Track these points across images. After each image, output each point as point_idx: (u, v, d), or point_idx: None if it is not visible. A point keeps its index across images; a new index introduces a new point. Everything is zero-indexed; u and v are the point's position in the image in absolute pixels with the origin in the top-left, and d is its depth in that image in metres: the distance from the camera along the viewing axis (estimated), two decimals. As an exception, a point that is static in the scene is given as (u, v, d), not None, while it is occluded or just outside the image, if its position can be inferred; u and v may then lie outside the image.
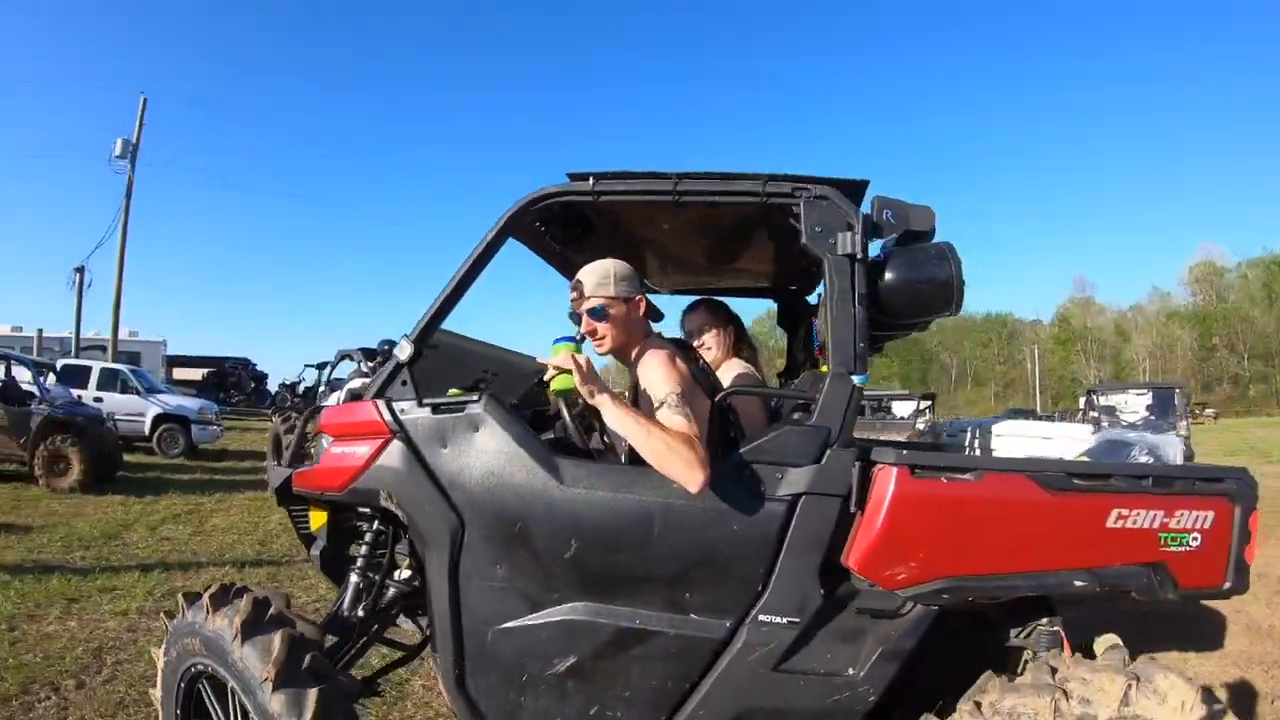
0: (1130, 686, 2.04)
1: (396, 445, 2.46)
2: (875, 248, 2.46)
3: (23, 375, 12.94)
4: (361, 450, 2.51)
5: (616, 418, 2.24)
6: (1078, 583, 2.25)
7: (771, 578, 2.22)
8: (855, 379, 2.24)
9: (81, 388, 16.36)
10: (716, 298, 3.57)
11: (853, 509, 2.20)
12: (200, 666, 2.60)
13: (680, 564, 2.25)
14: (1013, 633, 2.55)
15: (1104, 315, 76.32)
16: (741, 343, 3.38)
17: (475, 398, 2.44)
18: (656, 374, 2.34)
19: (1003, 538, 2.25)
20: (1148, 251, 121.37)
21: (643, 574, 2.28)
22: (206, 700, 2.68)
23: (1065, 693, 2.07)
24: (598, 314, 2.49)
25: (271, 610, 2.48)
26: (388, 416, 2.47)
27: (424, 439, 2.45)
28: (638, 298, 2.56)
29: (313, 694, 2.23)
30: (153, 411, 17.28)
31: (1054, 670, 2.16)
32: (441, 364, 2.84)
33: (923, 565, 2.17)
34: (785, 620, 2.21)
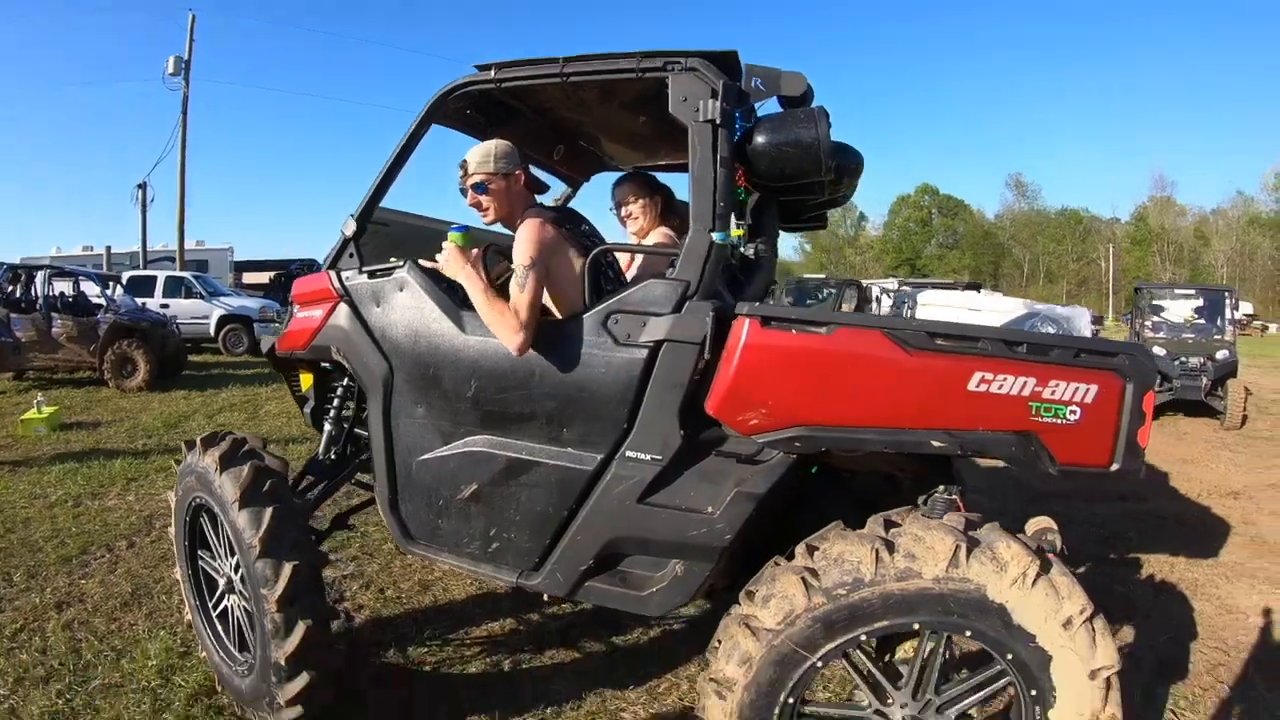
0: (959, 548, 2.07)
1: (342, 307, 2.96)
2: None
3: (91, 290, 14.02)
4: (317, 313, 3.06)
5: (470, 293, 2.60)
6: (935, 443, 2.25)
7: (636, 417, 2.44)
8: (714, 236, 2.37)
9: (148, 296, 17.45)
10: (646, 171, 3.81)
11: (705, 355, 2.34)
12: (198, 500, 3.17)
13: (556, 402, 2.54)
14: (920, 500, 2.60)
15: (1184, 217, 72.10)
16: (670, 212, 3.60)
17: (402, 263, 2.81)
18: (517, 246, 2.59)
19: (855, 392, 2.29)
20: (1233, 155, 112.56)
21: (528, 410, 2.59)
22: (205, 529, 3.25)
23: (890, 545, 2.13)
24: (480, 189, 2.74)
25: (245, 447, 3.07)
26: (336, 283, 2.97)
27: (362, 300, 2.91)
28: (517, 172, 2.78)
29: (269, 511, 2.77)
30: (217, 313, 18.49)
31: (891, 525, 2.24)
32: (400, 240, 3.27)
33: (773, 413, 2.29)
34: (649, 457, 2.43)
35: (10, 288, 12.97)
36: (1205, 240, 68.75)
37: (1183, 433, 10.63)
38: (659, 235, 3.49)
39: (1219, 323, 12.38)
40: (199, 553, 3.41)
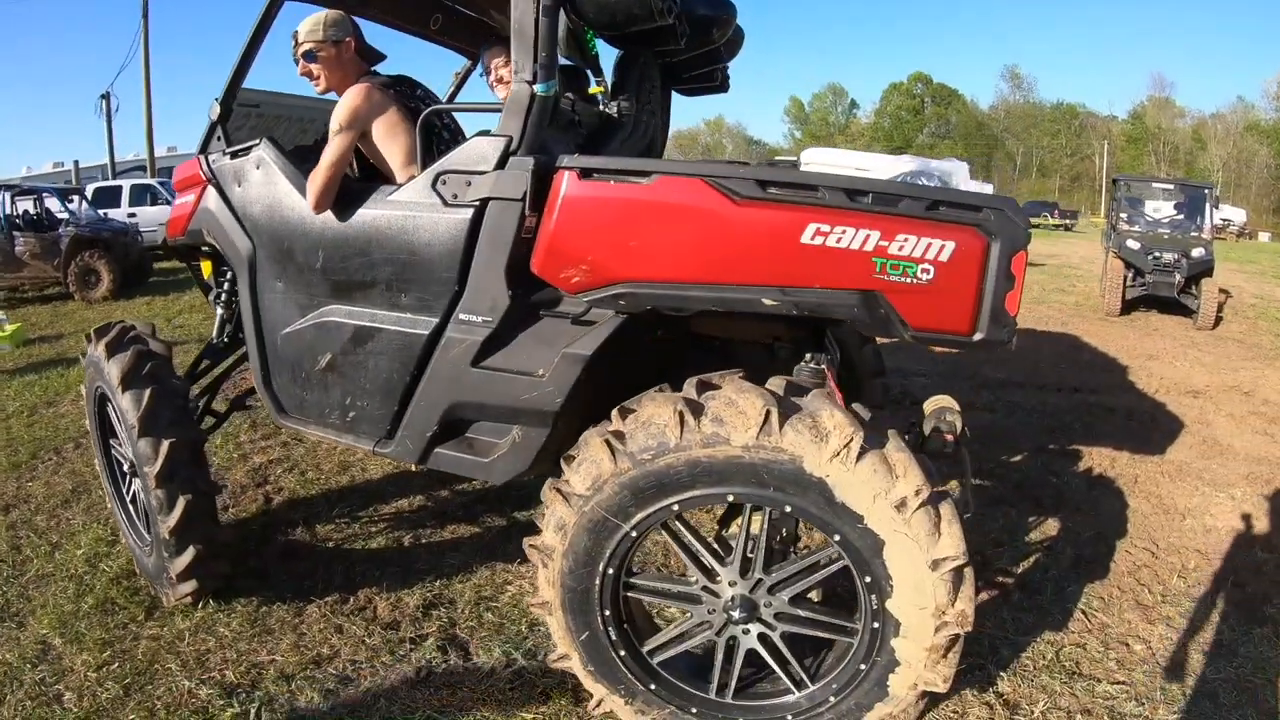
0: (770, 414, 1.94)
1: (210, 190, 2.94)
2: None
3: (55, 206, 13.72)
4: (190, 198, 3.05)
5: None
6: (767, 300, 2.11)
7: (467, 279, 2.39)
8: (536, 88, 2.26)
9: (115, 207, 17.02)
10: None
11: (527, 211, 2.26)
12: (99, 389, 3.24)
13: (394, 267, 2.52)
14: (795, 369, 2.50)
15: (1183, 119, 70.61)
16: None
17: (258, 141, 2.73)
18: (334, 111, 2.59)
19: (677, 246, 2.15)
20: (1235, 60, 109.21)
21: (369, 278, 2.59)
22: (111, 417, 3.29)
23: (697, 408, 2.02)
24: (310, 58, 2.72)
25: (131, 333, 3.13)
26: (204, 167, 2.93)
27: (226, 181, 2.92)
28: (347, 40, 2.74)
29: (148, 391, 2.88)
30: (183, 217, 17.98)
31: (706, 387, 2.11)
32: (275, 120, 3.33)
33: (595, 269, 2.19)
34: (480, 319, 2.39)
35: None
36: (1202, 144, 67.52)
37: (1152, 328, 10.60)
38: None
39: (1197, 220, 12.22)
40: (110, 441, 3.46)
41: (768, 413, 1.94)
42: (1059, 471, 4.77)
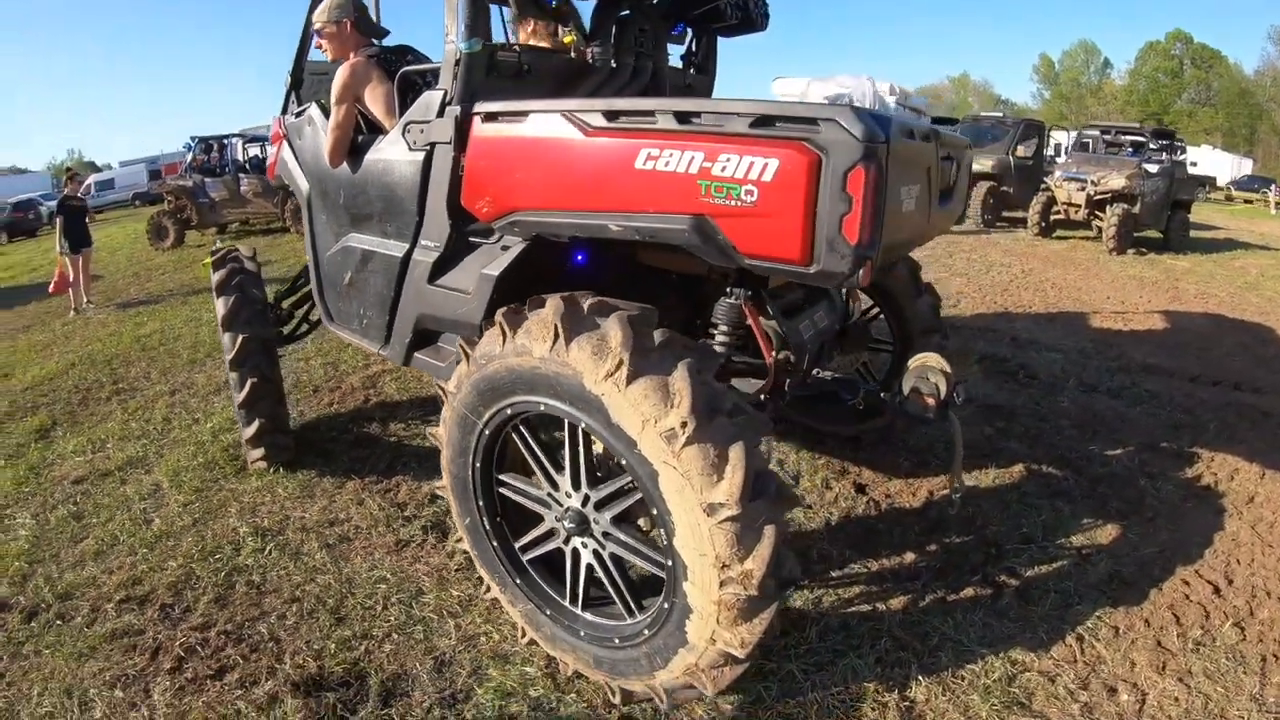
0: (559, 327, 2.05)
1: (284, 144, 3.72)
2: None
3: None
4: (274, 150, 3.89)
5: None
6: (613, 227, 2.21)
7: (424, 213, 2.87)
8: (460, 46, 2.61)
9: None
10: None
11: (455, 153, 2.67)
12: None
13: (382, 202, 3.08)
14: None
15: None
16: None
17: (310, 104, 3.51)
18: (331, 86, 3.20)
19: (543, 177, 2.38)
20: None
21: (368, 211, 3.17)
22: None
23: (516, 321, 2.20)
24: (320, 34, 3.36)
25: (232, 255, 4.16)
26: (280, 126, 3.76)
27: (292, 136, 3.67)
28: (345, 20, 3.29)
29: (232, 297, 3.90)
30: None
31: (538, 304, 2.22)
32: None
33: (495, 200, 2.53)
34: (433, 245, 2.85)
35: (203, 157, 15.54)
36: None
37: None
38: None
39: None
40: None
41: (557, 326, 2.05)
42: (1157, 474, 4.03)
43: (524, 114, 2.45)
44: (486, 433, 2.39)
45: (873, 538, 3.27)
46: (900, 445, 4.10)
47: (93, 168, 53.95)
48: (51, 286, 9.98)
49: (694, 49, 3.77)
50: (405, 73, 3.12)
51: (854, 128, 1.87)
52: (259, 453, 4.09)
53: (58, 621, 3.05)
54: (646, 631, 2.20)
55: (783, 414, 3.47)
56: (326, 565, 3.24)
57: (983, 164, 13.01)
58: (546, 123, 2.37)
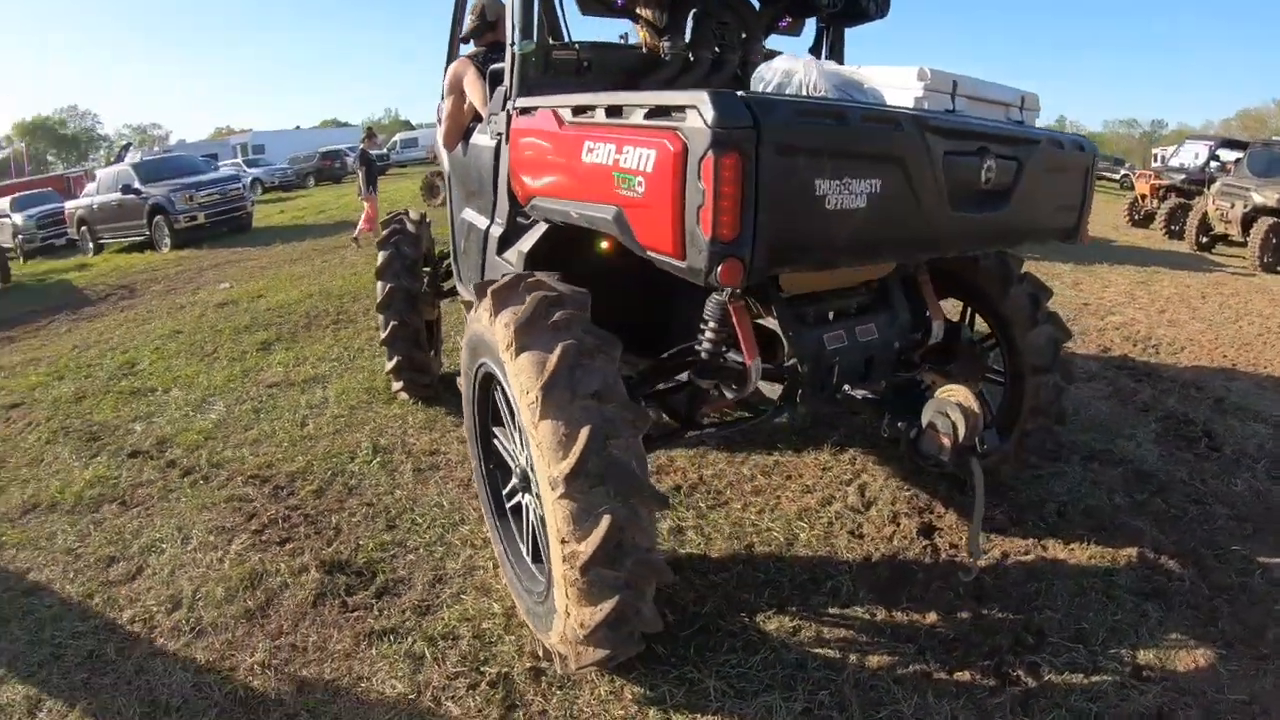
0: (491, 304, 2.42)
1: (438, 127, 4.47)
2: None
3: None
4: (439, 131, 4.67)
5: None
6: (574, 214, 2.51)
7: (496, 193, 3.35)
8: (514, 47, 3.04)
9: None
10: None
11: (508, 144, 3.10)
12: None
13: (476, 184, 3.66)
14: None
15: None
16: None
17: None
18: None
19: (538, 167, 2.78)
20: None
21: (472, 189, 3.76)
22: None
23: (477, 298, 2.59)
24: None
25: (396, 216, 5.06)
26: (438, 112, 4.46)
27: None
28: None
29: (388, 253, 4.81)
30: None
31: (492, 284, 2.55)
32: None
33: (523, 186, 2.94)
34: (499, 222, 3.32)
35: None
36: None
37: None
38: None
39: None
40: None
41: (491, 299, 2.43)
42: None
43: (533, 110, 2.85)
44: (477, 386, 2.83)
45: (901, 586, 3.10)
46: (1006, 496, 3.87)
47: (406, 126, 63.34)
48: (363, 225, 12.11)
49: (822, 41, 3.84)
50: (493, 70, 3.65)
51: (707, 113, 1.89)
52: (398, 384, 5.04)
53: (201, 481, 4.14)
54: (543, 591, 2.51)
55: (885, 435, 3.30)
56: (407, 484, 3.98)
57: (1266, 196, 11.30)
58: (543, 118, 2.75)
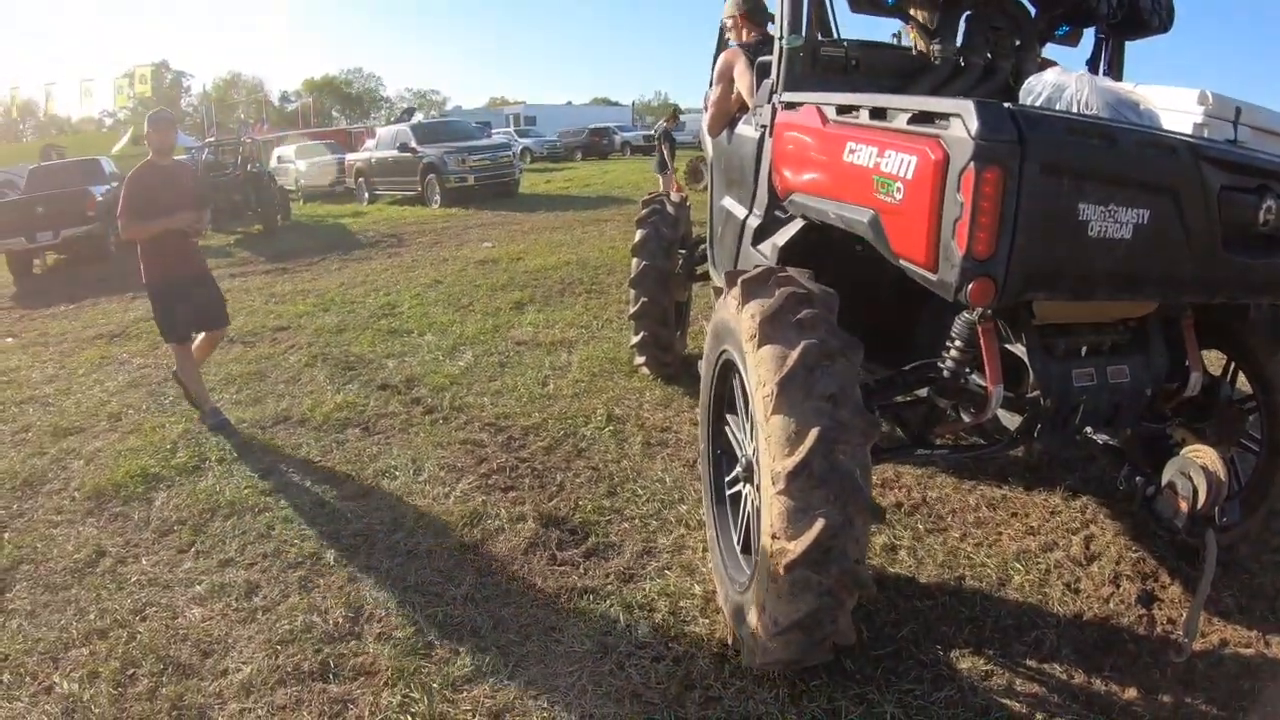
0: (739, 294, 2.49)
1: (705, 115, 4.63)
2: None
3: None
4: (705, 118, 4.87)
5: None
6: (832, 214, 2.58)
7: (757, 185, 3.44)
8: (783, 41, 3.12)
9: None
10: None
11: (771, 137, 3.18)
12: None
13: (738, 173, 3.79)
14: None
15: None
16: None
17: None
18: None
19: (800, 162, 2.85)
20: None
21: (733, 178, 3.91)
22: None
23: (726, 286, 2.68)
24: (726, 27, 4.35)
25: (656, 198, 5.34)
26: (704, 102, 4.63)
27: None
28: (737, 14, 4.18)
29: (645, 233, 5.11)
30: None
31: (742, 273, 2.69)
32: None
33: (784, 181, 3.03)
34: (757, 213, 3.42)
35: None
36: None
37: None
38: None
39: None
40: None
41: (740, 294, 2.51)
42: None
43: (799, 105, 2.95)
44: (717, 372, 2.95)
45: (1107, 653, 2.84)
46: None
47: (676, 110, 66.39)
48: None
49: (1100, 53, 3.74)
50: (761, 62, 3.69)
51: (971, 123, 1.91)
52: (641, 359, 5.28)
53: (440, 421, 4.58)
54: (746, 582, 2.56)
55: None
56: (634, 455, 4.14)
57: None
58: (808, 114, 2.83)
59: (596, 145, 35.32)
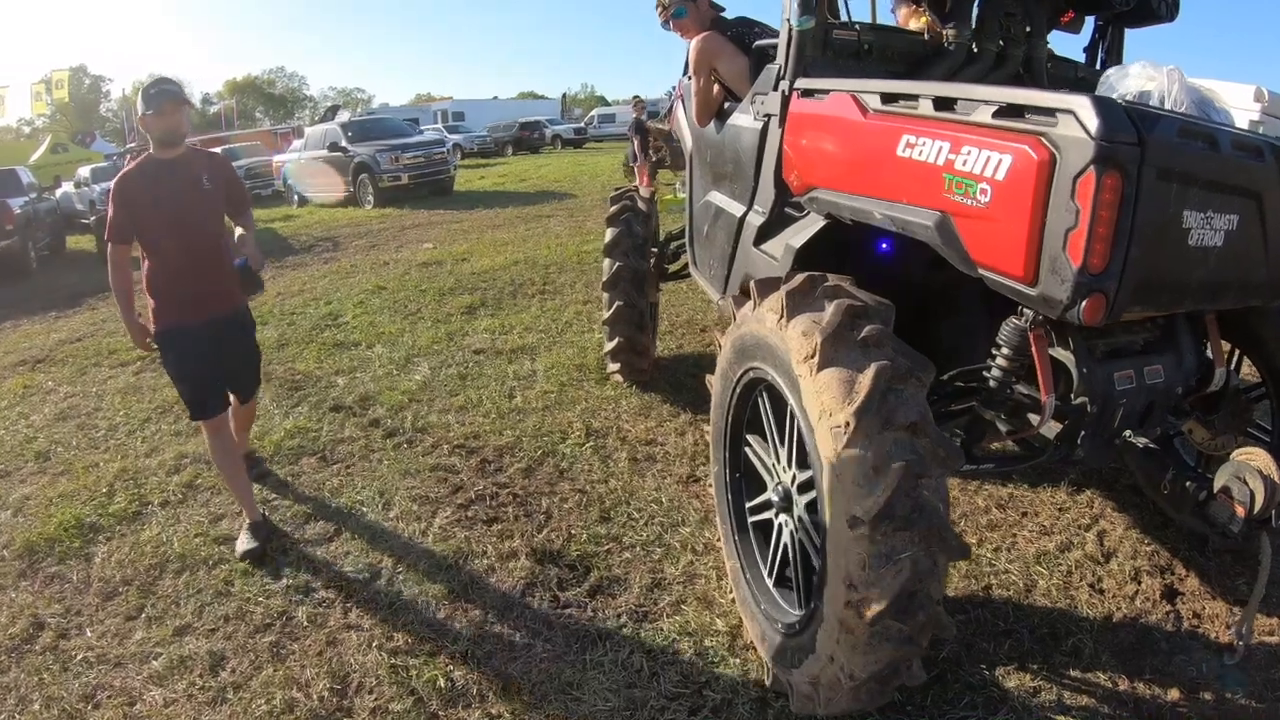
0: (784, 311, 2.28)
1: (679, 103, 4.55)
2: None
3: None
4: (675, 107, 4.71)
5: None
6: (877, 214, 2.37)
7: (758, 179, 3.23)
8: (792, 22, 2.91)
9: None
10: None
11: (780, 127, 2.97)
12: None
13: (731, 166, 3.57)
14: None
15: None
16: None
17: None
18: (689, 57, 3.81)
19: (832, 156, 2.64)
20: None
21: (724, 172, 3.68)
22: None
23: (758, 296, 2.50)
24: (679, 15, 3.95)
25: (626, 194, 5.14)
26: (680, 88, 4.49)
27: (686, 97, 4.32)
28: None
29: (617, 230, 4.83)
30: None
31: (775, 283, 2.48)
32: None
33: (802, 175, 2.82)
34: (761, 210, 3.22)
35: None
36: None
37: None
38: None
39: None
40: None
41: (781, 307, 2.29)
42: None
43: (826, 92, 2.71)
44: (738, 390, 2.73)
45: (1144, 654, 2.81)
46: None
47: (602, 102, 67.04)
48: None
49: (1099, 41, 3.65)
50: (759, 46, 3.51)
51: (1090, 121, 1.74)
52: (614, 366, 4.99)
53: (404, 445, 4.22)
54: (798, 626, 2.35)
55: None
56: (622, 474, 3.87)
57: None
58: (838, 102, 2.60)
59: (527, 140, 35.43)
